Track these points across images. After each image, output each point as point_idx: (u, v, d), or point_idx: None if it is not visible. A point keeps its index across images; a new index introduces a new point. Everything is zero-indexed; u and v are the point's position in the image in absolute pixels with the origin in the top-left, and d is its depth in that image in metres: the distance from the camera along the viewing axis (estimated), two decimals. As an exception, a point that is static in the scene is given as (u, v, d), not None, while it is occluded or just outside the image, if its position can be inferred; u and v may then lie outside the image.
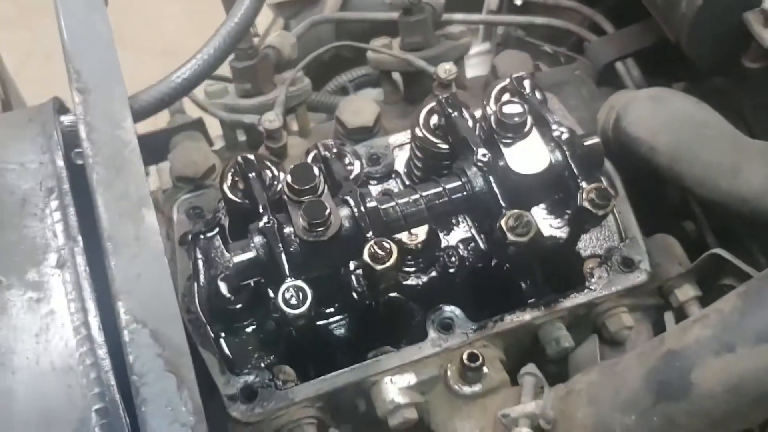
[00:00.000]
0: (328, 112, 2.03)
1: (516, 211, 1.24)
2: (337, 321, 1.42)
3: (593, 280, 1.43)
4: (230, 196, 1.39)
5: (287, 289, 1.18)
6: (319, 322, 1.41)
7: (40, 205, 1.05)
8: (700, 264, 1.43)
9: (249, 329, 1.42)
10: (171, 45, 5.04)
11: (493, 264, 1.46)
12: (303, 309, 1.17)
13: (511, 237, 1.23)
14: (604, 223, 1.51)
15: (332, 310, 1.42)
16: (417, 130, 1.47)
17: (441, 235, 1.50)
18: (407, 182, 1.58)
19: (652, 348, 1.14)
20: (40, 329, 0.96)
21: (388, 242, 1.20)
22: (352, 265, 1.39)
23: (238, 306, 1.41)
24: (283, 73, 1.69)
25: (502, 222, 1.24)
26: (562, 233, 1.46)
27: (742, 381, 1.04)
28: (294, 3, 2.34)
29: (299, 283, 1.18)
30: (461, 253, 1.49)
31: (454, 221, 1.50)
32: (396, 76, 1.83)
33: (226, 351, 1.39)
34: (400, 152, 1.61)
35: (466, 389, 1.29)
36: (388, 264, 1.18)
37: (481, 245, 1.48)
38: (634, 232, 1.49)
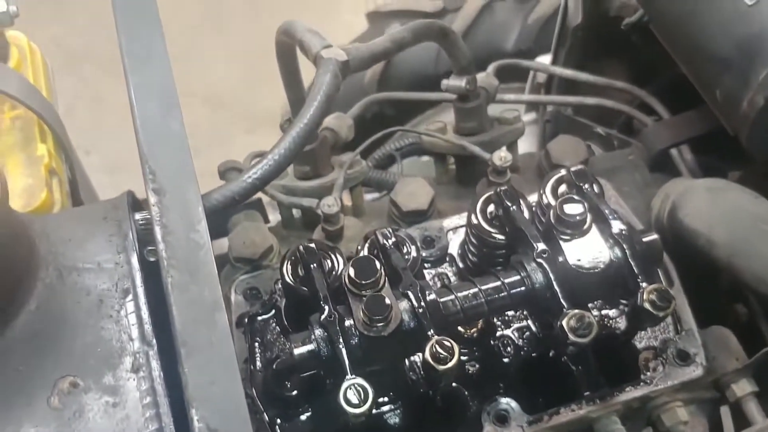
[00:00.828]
0: (377, 187, 2.05)
1: (578, 311, 1.24)
2: (391, 410, 1.43)
3: (648, 373, 1.43)
4: (290, 282, 1.42)
5: (349, 387, 1.19)
6: (374, 411, 1.42)
7: (116, 307, 1.08)
8: (758, 360, 1.42)
9: (304, 416, 1.43)
10: (215, 92, 5.14)
11: (549, 355, 1.46)
12: (364, 408, 1.18)
13: (572, 338, 1.24)
14: (659, 314, 1.51)
15: (386, 399, 1.43)
16: (473, 217, 1.48)
17: (496, 322, 1.51)
18: (461, 265, 1.59)
19: None
20: (115, 435, 0.98)
21: (449, 342, 1.21)
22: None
23: (294, 393, 1.43)
24: (341, 155, 1.72)
25: (564, 322, 1.24)
26: (618, 325, 1.46)
27: None
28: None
29: (361, 381, 1.19)
30: (516, 342, 1.49)
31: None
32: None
33: (282, 437, 1.40)
34: (454, 235, 1.62)
35: (525, 483, 1.29)
36: (450, 365, 1.19)
37: (536, 333, 1.49)
38: (690, 323, 1.48)
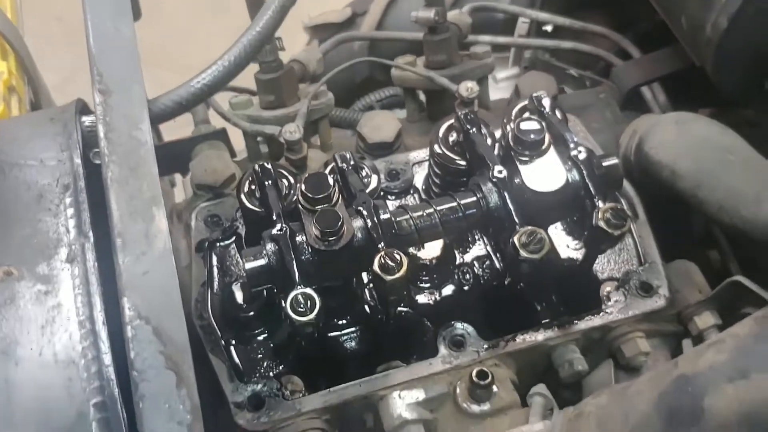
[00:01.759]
0: (352, 128, 2.03)
1: (529, 227, 1.23)
2: (348, 333, 1.41)
3: (610, 303, 1.41)
4: (247, 204, 1.40)
5: (296, 296, 1.17)
6: (330, 334, 1.41)
7: (56, 201, 1.07)
8: (721, 291, 1.40)
9: (260, 338, 1.41)
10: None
11: (507, 283, 1.44)
12: (311, 316, 1.16)
13: (523, 253, 1.22)
14: (623, 246, 1.49)
15: (344, 322, 1.41)
16: (435, 146, 1.47)
17: (456, 252, 1.49)
18: (425, 197, 1.58)
19: (665, 372, 1.12)
20: (45, 321, 0.97)
21: (398, 253, 1.20)
22: (365, 278, 1.39)
23: (250, 314, 1.42)
24: (308, 86, 1.71)
25: (515, 238, 1.23)
26: (578, 254, 1.44)
27: (755, 408, 1.01)
28: (329, 26, 2.35)
29: (308, 291, 1.18)
30: (476, 271, 1.48)
31: (470, 239, 1.49)
32: (421, 94, 1.83)
33: (236, 359, 1.39)
34: (420, 169, 1.61)
35: (475, 408, 1.27)
36: (397, 275, 1.18)
37: (497, 264, 1.47)
38: (653, 256, 1.47)
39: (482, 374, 1.26)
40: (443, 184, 1.50)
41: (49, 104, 1.69)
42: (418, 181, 1.60)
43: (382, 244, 1.22)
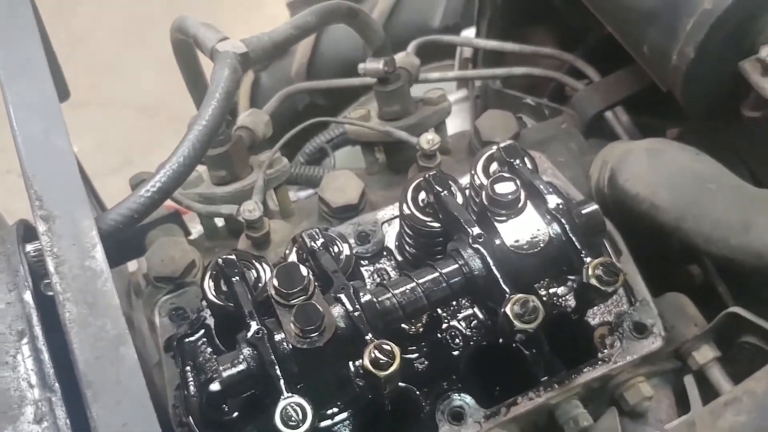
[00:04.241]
0: (307, 184, 1.95)
1: (521, 296, 1.16)
2: (341, 422, 1.33)
3: (606, 350, 1.36)
4: (213, 300, 1.31)
5: (285, 408, 1.09)
6: (322, 424, 1.32)
7: (11, 352, 0.97)
8: (718, 324, 1.37)
9: (248, 439, 1.32)
10: (148, 101, 4.95)
11: (500, 342, 1.38)
12: (304, 428, 1.08)
13: (518, 324, 1.15)
14: (610, 286, 1.44)
15: (334, 410, 1.33)
16: (405, 207, 1.39)
17: (441, 314, 1.42)
18: (399, 258, 1.50)
19: None
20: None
21: (389, 345, 1.12)
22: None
23: (234, 415, 1.32)
24: (259, 155, 1.61)
25: (507, 309, 1.16)
26: (569, 302, 1.38)
27: None
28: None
29: (297, 399, 1.10)
30: (464, 331, 1.41)
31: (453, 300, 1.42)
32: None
33: (225, 465, 1.30)
34: (390, 228, 1.53)
35: (485, 482, 1.21)
36: (391, 370, 1.10)
37: (485, 320, 1.41)
38: (643, 293, 1.42)
39: (489, 452, 1.19)
40: (417, 246, 1.43)
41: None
42: (390, 241, 1.52)
43: (370, 335, 1.14)
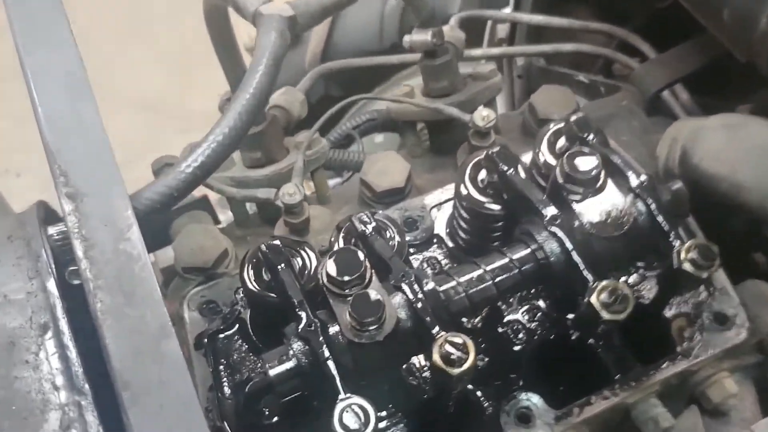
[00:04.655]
0: (340, 170, 1.81)
1: (610, 283, 1.03)
2: (395, 423, 1.20)
3: (685, 344, 1.22)
4: (255, 290, 1.18)
5: (345, 409, 0.96)
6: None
7: (33, 349, 0.83)
8: (806, 313, 1.23)
9: (290, 446, 1.19)
10: (151, 99, 4.85)
11: (567, 336, 1.24)
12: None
13: (605, 315, 1.02)
14: (686, 273, 1.31)
15: (385, 413, 1.20)
16: (462, 188, 1.26)
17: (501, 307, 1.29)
18: (451, 245, 1.38)
19: None
20: None
21: (461, 338, 0.99)
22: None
23: (274, 420, 1.19)
24: (295, 135, 1.48)
25: (593, 299, 1.03)
26: (647, 293, 1.25)
27: None
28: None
29: (358, 400, 0.97)
30: (527, 325, 1.28)
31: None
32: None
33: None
34: (439, 213, 1.40)
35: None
36: (465, 367, 0.97)
37: (550, 313, 1.27)
38: (722, 281, 1.29)
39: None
40: (473, 230, 1.30)
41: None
42: (439, 227, 1.39)
43: (437, 328, 1.01)
